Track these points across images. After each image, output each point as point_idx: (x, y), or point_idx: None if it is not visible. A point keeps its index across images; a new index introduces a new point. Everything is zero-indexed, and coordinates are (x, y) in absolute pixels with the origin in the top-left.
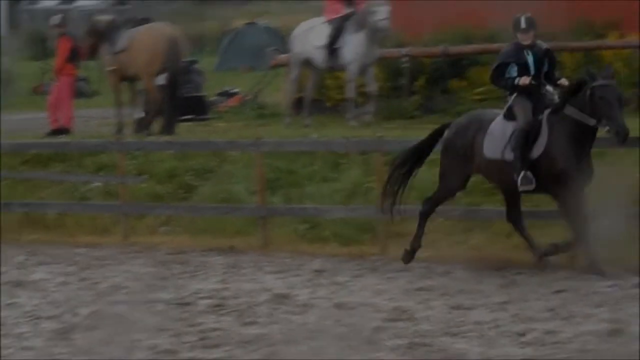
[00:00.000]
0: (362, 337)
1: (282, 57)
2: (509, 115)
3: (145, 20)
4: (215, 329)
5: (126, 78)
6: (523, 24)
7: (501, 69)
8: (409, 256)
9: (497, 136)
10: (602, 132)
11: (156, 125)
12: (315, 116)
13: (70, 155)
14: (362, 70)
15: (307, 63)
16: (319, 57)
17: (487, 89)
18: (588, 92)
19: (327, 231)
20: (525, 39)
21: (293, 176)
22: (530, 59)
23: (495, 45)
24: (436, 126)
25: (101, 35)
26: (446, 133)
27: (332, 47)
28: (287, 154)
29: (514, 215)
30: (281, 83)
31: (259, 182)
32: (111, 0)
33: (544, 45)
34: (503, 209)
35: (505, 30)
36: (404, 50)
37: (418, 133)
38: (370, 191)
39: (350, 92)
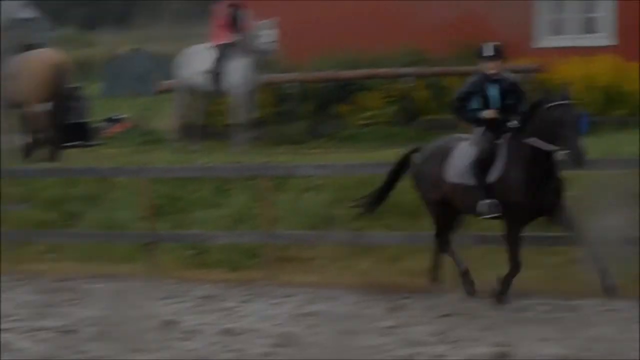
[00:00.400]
0: None
1: (168, 82)
2: (473, 142)
3: (31, 47)
4: (102, 357)
5: (12, 104)
6: (488, 52)
7: (464, 99)
8: (469, 285)
9: (461, 160)
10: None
11: (42, 151)
12: (201, 142)
13: None
14: (247, 95)
15: (192, 88)
16: (204, 82)
17: (373, 114)
18: (544, 113)
19: (214, 257)
20: (491, 68)
21: (180, 202)
22: (493, 91)
23: (381, 70)
24: (325, 151)
25: None
26: (415, 160)
27: (216, 72)
28: (174, 180)
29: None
30: (168, 109)
31: (145, 208)
32: None
33: (511, 77)
34: (390, 232)
35: (392, 55)
36: (291, 75)
37: (305, 158)
38: (257, 217)
39: (235, 117)
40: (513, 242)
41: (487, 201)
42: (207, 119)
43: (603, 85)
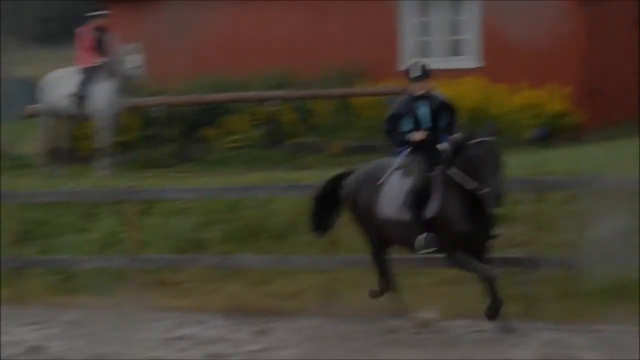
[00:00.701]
0: None
1: (35, 106)
2: (405, 171)
3: None
4: None
5: None
6: (416, 72)
7: (393, 121)
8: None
9: (394, 193)
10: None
11: None
12: (68, 166)
13: None
14: (113, 119)
15: (58, 112)
16: (70, 106)
17: (240, 137)
18: (467, 149)
19: (82, 282)
20: (419, 89)
21: (47, 227)
22: (423, 111)
23: (247, 94)
24: (192, 174)
25: None
26: (345, 185)
27: (81, 96)
28: (41, 205)
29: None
30: (35, 133)
31: (12, 233)
32: None
33: (441, 96)
34: (258, 255)
35: (259, 79)
36: (157, 99)
37: (173, 182)
38: (125, 241)
39: (101, 141)
40: (468, 265)
41: (425, 235)
42: (73, 143)
43: (470, 107)
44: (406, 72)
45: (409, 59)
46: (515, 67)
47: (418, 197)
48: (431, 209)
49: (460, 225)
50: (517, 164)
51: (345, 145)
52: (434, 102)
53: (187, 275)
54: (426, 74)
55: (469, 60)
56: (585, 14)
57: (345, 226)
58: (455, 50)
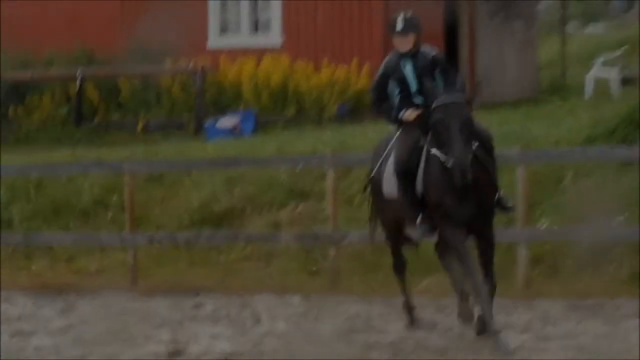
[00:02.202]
0: None
1: None
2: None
3: None
4: None
5: None
6: (399, 26)
7: (380, 87)
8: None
9: (390, 170)
10: None
11: None
12: None
13: None
14: None
15: None
16: None
17: (45, 115)
18: (432, 114)
19: None
20: (403, 44)
21: None
22: (408, 70)
23: (54, 72)
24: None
25: None
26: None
27: None
28: None
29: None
30: None
31: None
32: None
33: (431, 52)
34: (64, 233)
35: (63, 56)
36: None
37: None
38: None
39: None
40: (460, 253)
41: (422, 222)
42: None
43: (274, 84)
44: (390, 27)
45: (215, 36)
46: (317, 45)
47: (403, 178)
48: (419, 185)
49: (446, 199)
50: (320, 140)
51: (151, 123)
52: (423, 59)
53: None
54: (411, 26)
55: (271, 38)
56: None
57: (152, 204)
58: (258, 27)
